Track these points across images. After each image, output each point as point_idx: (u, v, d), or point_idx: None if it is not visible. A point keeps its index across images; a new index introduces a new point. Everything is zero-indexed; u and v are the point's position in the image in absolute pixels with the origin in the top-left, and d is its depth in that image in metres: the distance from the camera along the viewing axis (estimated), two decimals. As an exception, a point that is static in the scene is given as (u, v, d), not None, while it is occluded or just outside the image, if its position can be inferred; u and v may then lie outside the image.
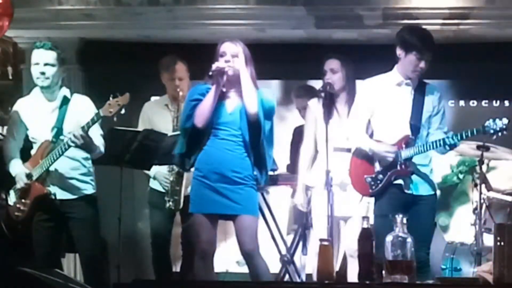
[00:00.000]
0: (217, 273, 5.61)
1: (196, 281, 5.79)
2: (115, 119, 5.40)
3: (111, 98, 5.34)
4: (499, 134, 5.31)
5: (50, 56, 5.56)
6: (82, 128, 5.35)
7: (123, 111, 5.37)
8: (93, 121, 5.36)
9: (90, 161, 5.67)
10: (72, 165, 5.59)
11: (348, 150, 5.63)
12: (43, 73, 5.54)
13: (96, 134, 5.54)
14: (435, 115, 5.49)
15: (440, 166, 5.65)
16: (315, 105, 5.93)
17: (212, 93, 5.18)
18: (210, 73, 5.15)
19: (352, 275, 5.65)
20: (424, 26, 6.69)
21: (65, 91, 5.66)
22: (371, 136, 5.50)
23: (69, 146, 5.40)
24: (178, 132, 6.04)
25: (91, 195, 5.65)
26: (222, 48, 5.23)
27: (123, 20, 7.34)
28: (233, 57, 5.20)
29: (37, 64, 5.57)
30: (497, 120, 5.29)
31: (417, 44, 5.34)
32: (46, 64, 5.56)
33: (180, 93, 6.27)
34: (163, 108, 6.42)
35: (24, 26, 7.05)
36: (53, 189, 5.55)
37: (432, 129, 5.46)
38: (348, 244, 5.75)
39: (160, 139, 5.99)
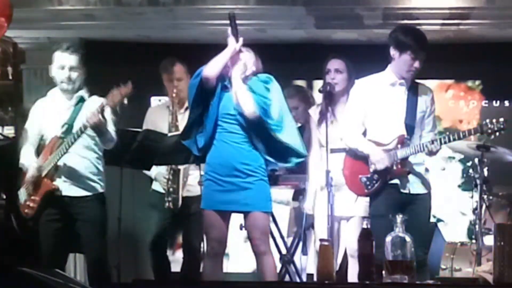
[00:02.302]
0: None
1: (196, 281, 5.80)
2: (117, 108, 5.45)
3: (114, 88, 5.40)
4: (497, 134, 5.31)
5: (74, 59, 5.62)
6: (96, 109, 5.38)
7: (126, 102, 5.41)
8: (98, 111, 5.40)
9: (100, 161, 5.69)
10: (83, 164, 5.61)
11: (345, 150, 5.64)
12: (69, 78, 5.60)
13: (109, 119, 5.56)
14: (428, 117, 5.49)
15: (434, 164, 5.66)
16: (314, 112, 5.96)
17: (223, 52, 5.21)
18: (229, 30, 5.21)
19: (353, 275, 5.67)
20: (424, 26, 6.73)
21: (82, 92, 5.70)
22: (364, 135, 5.50)
23: (83, 131, 5.41)
24: (178, 132, 6.07)
25: (99, 195, 5.66)
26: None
27: (123, 20, 7.34)
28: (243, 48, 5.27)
29: (62, 68, 5.62)
30: (494, 120, 5.29)
31: (411, 44, 5.33)
32: (71, 69, 5.61)
33: (174, 90, 6.30)
34: (165, 109, 6.44)
35: (24, 26, 7.05)
36: (61, 185, 5.56)
37: (425, 131, 5.46)
38: (349, 244, 5.75)
39: (160, 139, 6.00)
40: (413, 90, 5.46)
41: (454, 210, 7.62)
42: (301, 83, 7.55)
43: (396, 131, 5.39)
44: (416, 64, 5.35)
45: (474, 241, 6.33)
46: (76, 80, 5.63)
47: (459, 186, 7.78)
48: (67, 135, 5.53)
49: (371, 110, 5.45)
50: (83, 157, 5.61)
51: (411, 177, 5.39)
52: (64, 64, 5.62)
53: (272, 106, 5.25)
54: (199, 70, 5.29)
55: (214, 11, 7.18)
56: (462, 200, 7.38)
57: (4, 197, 6.40)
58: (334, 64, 5.88)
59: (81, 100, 5.66)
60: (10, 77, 7.86)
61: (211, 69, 5.22)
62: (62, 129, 5.58)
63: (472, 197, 6.48)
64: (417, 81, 5.52)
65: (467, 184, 7.28)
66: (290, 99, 6.56)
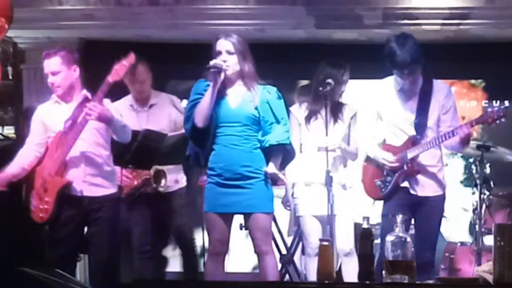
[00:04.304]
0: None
1: (195, 281, 5.80)
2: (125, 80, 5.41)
3: (116, 63, 5.37)
4: (497, 122, 5.27)
5: (54, 63, 5.54)
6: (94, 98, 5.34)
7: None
8: (102, 91, 5.34)
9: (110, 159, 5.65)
10: (96, 162, 5.56)
11: (333, 150, 5.74)
12: (53, 84, 5.55)
13: (116, 114, 5.54)
14: (445, 114, 5.45)
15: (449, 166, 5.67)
16: (296, 111, 6.01)
17: (210, 91, 5.15)
18: (208, 68, 5.13)
19: (348, 274, 5.68)
20: (424, 26, 6.73)
21: (86, 92, 5.60)
22: (384, 142, 5.51)
23: (86, 122, 5.36)
24: (176, 132, 6.08)
25: (114, 195, 5.63)
26: (218, 47, 5.23)
27: (123, 20, 7.34)
28: (229, 55, 5.20)
29: (47, 76, 5.57)
30: (496, 109, 5.29)
31: (391, 65, 5.30)
32: (53, 74, 5.56)
33: (142, 95, 6.34)
34: (128, 108, 6.37)
35: (24, 26, 7.04)
36: (79, 185, 5.50)
37: (444, 127, 5.42)
38: (340, 243, 5.76)
39: (160, 139, 6.00)
40: (426, 89, 5.43)
41: (456, 206, 7.61)
42: (300, 83, 7.55)
43: (407, 133, 5.40)
44: (405, 78, 5.31)
45: (474, 241, 6.34)
46: (62, 83, 5.55)
47: (461, 182, 7.78)
48: (70, 130, 5.44)
49: (382, 114, 5.46)
50: (97, 155, 5.56)
51: (423, 179, 5.39)
52: (46, 71, 5.57)
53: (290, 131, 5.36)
54: (188, 112, 5.24)
55: (214, 11, 7.19)
56: (464, 196, 7.37)
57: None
58: (348, 76, 5.94)
59: (86, 99, 5.54)
60: (10, 77, 7.86)
61: (202, 116, 5.16)
62: (66, 124, 5.53)
63: (474, 193, 6.49)
64: (434, 80, 5.50)
65: (469, 180, 7.28)
66: (304, 97, 6.59)
